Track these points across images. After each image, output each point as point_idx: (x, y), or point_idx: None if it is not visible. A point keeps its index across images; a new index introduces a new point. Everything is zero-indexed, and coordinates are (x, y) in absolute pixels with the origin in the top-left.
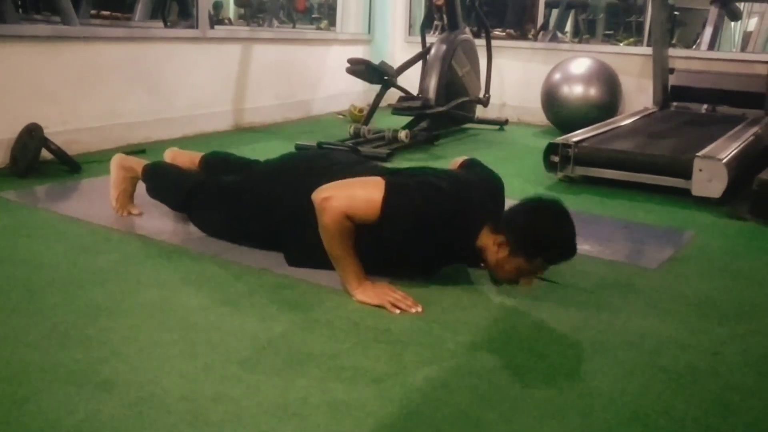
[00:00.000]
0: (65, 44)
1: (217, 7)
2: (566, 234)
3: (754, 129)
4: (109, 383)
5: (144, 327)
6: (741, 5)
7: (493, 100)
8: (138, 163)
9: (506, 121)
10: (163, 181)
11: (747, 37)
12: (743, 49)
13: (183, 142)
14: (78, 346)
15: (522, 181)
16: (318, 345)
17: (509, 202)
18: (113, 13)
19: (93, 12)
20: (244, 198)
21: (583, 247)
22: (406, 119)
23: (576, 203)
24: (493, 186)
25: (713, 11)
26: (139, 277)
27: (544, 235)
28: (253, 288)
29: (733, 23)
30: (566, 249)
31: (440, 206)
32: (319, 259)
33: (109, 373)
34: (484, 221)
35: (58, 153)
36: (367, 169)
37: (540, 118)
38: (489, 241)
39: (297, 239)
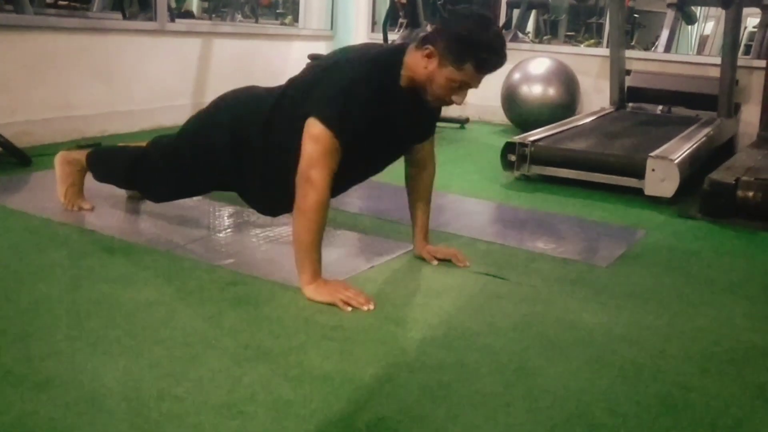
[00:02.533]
0: (16, 33)
1: (180, 0)
2: (493, 35)
3: (707, 130)
4: (47, 382)
5: (88, 324)
6: (697, 9)
7: None
8: (81, 154)
9: (467, 120)
10: (106, 161)
11: (704, 40)
12: (700, 52)
13: (141, 136)
14: (17, 343)
15: (480, 178)
16: (267, 342)
17: (467, 201)
18: (71, 3)
19: (50, 1)
20: (183, 149)
21: (536, 244)
22: None
23: (532, 201)
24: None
25: (670, 14)
26: (85, 273)
27: (470, 36)
28: (204, 284)
29: (690, 27)
30: (494, 51)
31: (356, 76)
32: (282, 203)
33: (48, 372)
34: (401, 49)
35: (7, 145)
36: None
37: (500, 116)
38: (416, 58)
39: (249, 181)
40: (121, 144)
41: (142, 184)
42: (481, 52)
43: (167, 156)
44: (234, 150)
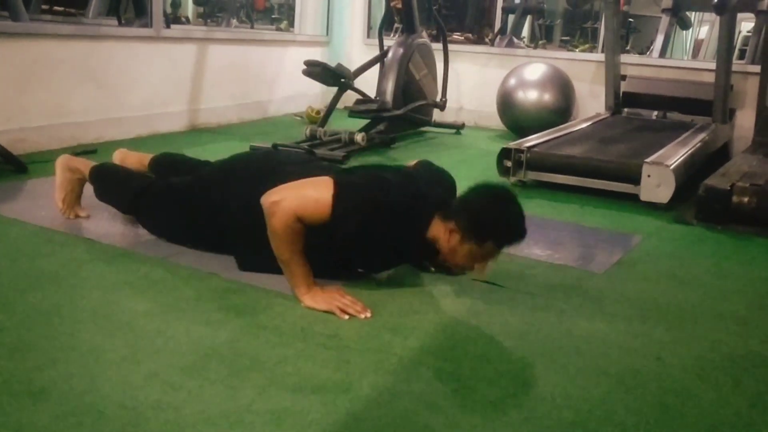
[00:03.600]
0: (12, 40)
1: (175, 5)
2: (514, 216)
3: (702, 135)
4: (44, 392)
5: (85, 333)
6: (691, 14)
7: (450, 104)
8: (85, 165)
9: (463, 125)
10: (110, 183)
11: (698, 45)
12: (694, 57)
13: (136, 143)
14: (13, 353)
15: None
16: (264, 351)
17: None
18: (66, 9)
19: (45, 7)
20: (193, 199)
21: (533, 251)
22: (362, 122)
23: (528, 207)
24: (443, 177)
25: (665, 19)
26: (82, 281)
27: (492, 218)
28: (201, 292)
29: (684, 32)
30: (515, 231)
31: (389, 198)
32: (270, 263)
33: (45, 382)
34: (433, 210)
35: (2, 152)
36: (318, 168)
37: (496, 122)
38: (440, 229)
39: (247, 242)
40: (121, 154)
41: (144, 217)
42: (501, 234)
43: (175, 201)
44: (244, 215)
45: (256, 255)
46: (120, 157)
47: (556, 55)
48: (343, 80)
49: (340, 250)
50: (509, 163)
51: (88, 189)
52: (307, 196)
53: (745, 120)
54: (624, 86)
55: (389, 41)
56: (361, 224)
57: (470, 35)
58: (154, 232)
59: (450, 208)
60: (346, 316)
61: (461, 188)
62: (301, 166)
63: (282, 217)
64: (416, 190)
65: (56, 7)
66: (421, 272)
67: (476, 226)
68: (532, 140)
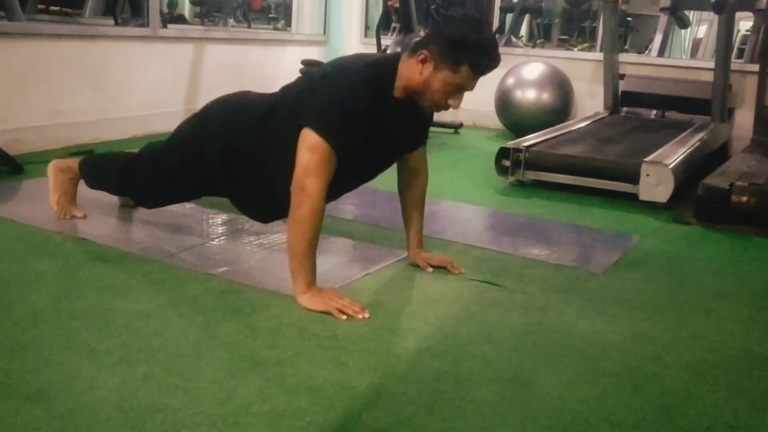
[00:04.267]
0: (8, 40)
1: (172, 5)
2: (486, 37)
3: (701, 135)
4: (40, 394)
5: (81, 334)
6: (690, 13)
7: None
8: (74, 162)
9: (461, 125)
10: (98, 168)
11: (697, 44)
12: (693, 56)
13: (133, 143)
14: (9, 355)
15: (474, 184)
16: (261, 352)
17: (461, 207)
18: (63, 9)
19: (41, 7)
20: (174, 155)
21: (531, 251)
22: None
23: (526, 207)
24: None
25: (663, 18)
26: (78, 282)
27: (465, 39)
28: (198, 293)
29: (683, 31)
30: (488, 52)
31: (351, 85)
32: (273, 210)
33: (41, 384)
34: (396, 58)
35: None
36: (283, 108)
37: (494, 121)
38: (411, 65)
39: (240, 188)
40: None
41: (134, 189)
42: (475, 53)
43: (158, 162)
44: (225, 156)
45: (260, 201)
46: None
47: (554, 54)
48: None
49: (358, 158)
50: (508, 163)
51: (83, 191)
52: (313, 162)
53: (744, 119)
54: (622, 85)
55: (387, 41)
56: (358, 129)
57: None
58: (150, 203)
59: (415, 43)
60: (344, 317)
61: (460, 188)
62: (266, 103)
63: (311, 204)
64: (366, 60)
65: (52, 7)
66: (418, 273)
67: (449, 48)
68: (530, 140)
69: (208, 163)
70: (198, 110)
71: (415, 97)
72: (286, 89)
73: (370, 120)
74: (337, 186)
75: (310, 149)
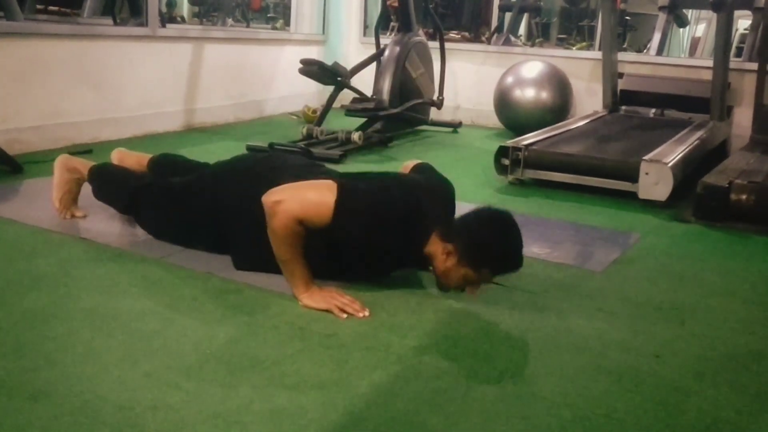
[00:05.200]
0: (7, 40)
1: (171, 5)
2: (513, 247)
3: (700, 133)
4: (41, 393)
5: (82, 333)
6: (688, 12)
7: (447, 102)
8: (83, 165)
9: (460, 124)
10: (109, 183)
11: (695, 42)
12: (691, 54)
13: (132, 143)
14: (10, 354)
15: (474, 183)
16: (262, 351)
17: (462, 206)
18: (61, 9)
19: (40, 7)
20: (191, 200)
21: (531, 249)
22: (359, 120)
23: (526, 206)
24: (444, 191)
25: (662, 17)
26: (79, 282)
27: (491, 247)
28: (198, 293)
29: (681, 29)
30: (513, 261)
31: (390, 208)
32: (267, 263)
33: (42, 383)
34: (433, 226)
35: None
36: (318, 172)
37: (493, 120)
38: (437, 249)
39: (245, 242)
40: (119, 154)
41: (140, 215)
42: (500, 261)
43: (172, 200)
44: (243, 215)
45: (252, 254)
46: (118, 156)
47: (553, 53)
48: (339, 79)
49: (340, 254)
50: (507, 162)
51: (85, 190)
52: (309, 198)
53: (743, 117)
54: (621, 84)
55: (386, 40)
56: (361, 231)
57: (467, 33)
58: (151, 232)
59: (449, 227)
60: (345, 315)
61: (460, 187)
62: (301, 169)
63: (283, 219)
64: (417, 204)
65: (51, 7)
66: (419, 271)
67: (474, 252)
68: (529, 138)
69: (223, 219)
70: (226, 161)
71: (435, 272)
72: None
73: (386, 248)
74: (329, 265)
75: (317, 186)
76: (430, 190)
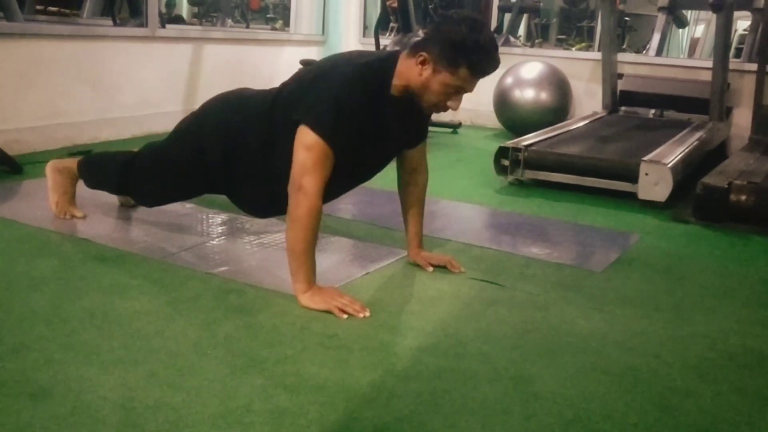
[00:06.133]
0: (6, 40)
1: (170, 5)
2: (485, 37)
3: (699, 134)
4: (43, 393)
5: (83, 333)
6: (687, 13)
7: None
8: (72, 162)
9: (459, 124)
10: (97, 167)
11: (694, 43)
12: (690, 55)
13: (132, 143)
14: (11, 354)
15: (473, 183)
16: (263, 351)
17: (461, 205)
18: (61, 9)
19: (39, 7)
20: (172, 154)
21: (531, 249)
22: None
23: (525, 206)
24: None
25: (661, 18)
26: (79, 282)
27: (463, 40)
28: (199, 292)
29: (681, 30)
30: (487, 53)
31: (348, 82)
32: (274, 205)
33: (43, 383)
34: (394, 56)
35: None
36: (280, 106)
37: (493, 121)
38: (409, 66)
39: (238, 185)
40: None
41: (133, 187)
42: (475, 55)
43: (157, 160)
44: (225, 153)
45: (253, 196)
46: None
47: (552, 53)
48: None
49: (354, 158)
50: (506, 162)
51: (82, 191)
52: (310, 160)
53: (742, 118)
54: (621, 85)
55: (385, 40)
56: (350, 126)
57: None
58: (150, 202)
59: (413, 44)
60: (345, 316)
61: (459, 187)
62: (265, 102)
63: (309, 203)
64: (363, 58)
65: (51, 8)
66: (419, 271)
67: (448, 50)
68: (529, 139)
69: (207, 160)
70: (198, 108)
71: (414, 98)
72: (284, 86)
73: (366, 117)
74: (336, 185)
75: (307, 147)
76: (366, 52)
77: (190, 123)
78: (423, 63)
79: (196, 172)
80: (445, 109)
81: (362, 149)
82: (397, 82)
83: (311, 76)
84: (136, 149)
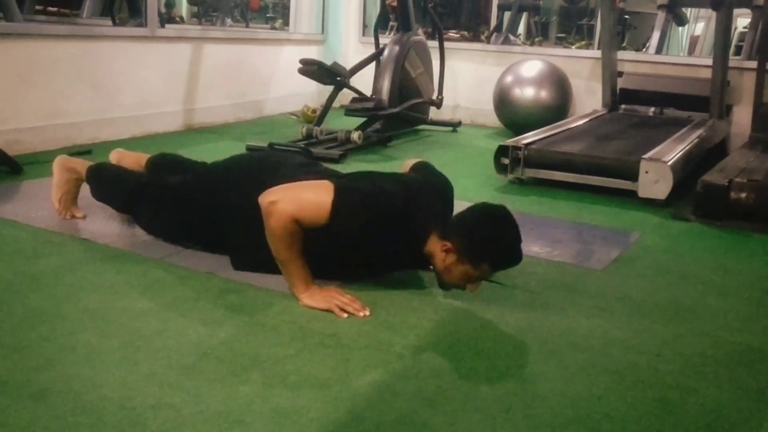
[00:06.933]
0: (6, 41)
1: (170, 5)
2: (511, 240)
3: (699, 132)
4: (43, 393)
5: (83, 333)
6: (687, 10)
7: (447, 101)
8: (82, 165)
9: (459, 123)
10: (107, 182)
11: (694, 41)
12: (690, 53)
13: (132, 143)
14: (11, 354)
15: (473, 182)
16: (263, 350)
17: (461, 204)
18: (60, 9)
19: (39, 7)
20: (189, 199)
21: (531, 248)
22: (359, 120)
23: (525, 205)
24: (441, 189)
25: (661, 16)
26: (80, 282)
27: (490, 241)
28: (198, 292)
29: (680, 28)
30: (512, 255)
31: (388, 208)
32: (266, 263)
33: (44, 383)
34: (431, 225)
35: None
36: (315, 172)
37: (492, 119)
38: (436, 247)
39: (243, 243)
40: (118, 155)
41: (140, 215)
42: (498, 256)
43: (175, 198)
44: (240, 215)
45: (251, 255)
46: (116, 156)
47: (552, 52)
48: (339, 79)
49: (338, 253)
50: (507, 161)
51: (85, 191)
52: (305, 198)
53: (742, 116)
54: (621, 83)
55: (385, 39)
56: (359, 231)
57: (466, 33)
58: (149, 230)
59: (447, 225)
60: (345, 315)
61: (459, 186)
62: (299, 169)
63: (279, 219)
64: (415, 202)
65: (50, 8)
66: (419, 270)
67: (473, 248)
68: (529, 137)
69: (221, 218)
70: (225, 160)
71: (435, 270)
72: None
73: (385, 248)
74: (328, 264)
75: (314, 186)
76: (428, 188)
77: (214, 173)
78: (447, 251)
79: (203, 225)
80: (464, 288)
81: (367, 257)
82: (424, 248)
83: (373, 175)
84: (144, 160)
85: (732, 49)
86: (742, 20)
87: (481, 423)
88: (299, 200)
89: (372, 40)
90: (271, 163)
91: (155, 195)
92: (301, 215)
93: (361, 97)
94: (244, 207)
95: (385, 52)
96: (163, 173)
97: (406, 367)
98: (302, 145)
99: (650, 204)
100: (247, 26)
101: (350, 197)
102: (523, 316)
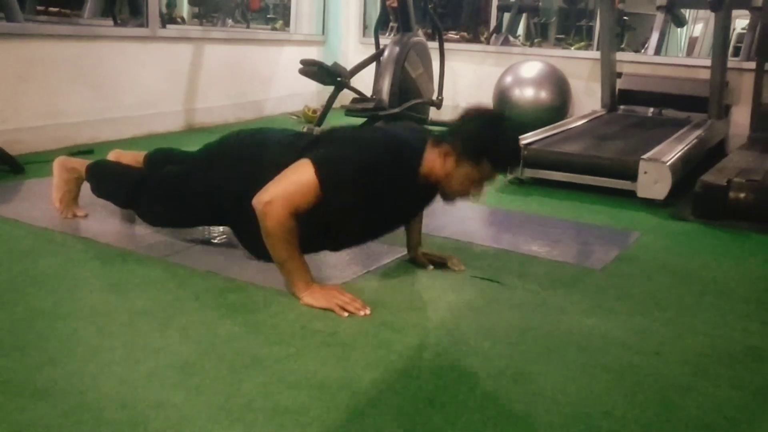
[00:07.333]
0: (7, 41)
1: (170, 5)
2: (509, 135)
3: (698, 132)
4: (44, 391)
5: (84, 332)
6: (686, 12)
7: (447, 102)
8: (81, 164)
9: None
10: (106, 178)
11: (693, 42)
12: (689, 54)
13: (132, 143)
14: (13, 353)
15: None
16: (263, 349)
17: (461, 204)
18: (61, 10)
19: (40, 8)
20: (185, 187)
21: (531, 248)
22: (359, 120)
23: (525, 205)
24: (415, 125)
25: (659, 17)
26: (81, 281)
27: (488, 136)
28: (199, 291)
29: (679, 29)
30: (509, 148)
31: (373, 153)
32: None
33: (45, 381)
34: (422, 145)
35: None
36: (299, 147)
37: None
38: (434, 157)
39: (245, 226)
40: (116, 154)
41: (140, 206)
42: (497, 150)
43: (174, 187)
44: (243, 194)
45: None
46: (115, 156)
47: (551, 53)
48: (339, 79)
49: (341, 221)
50: None
51: (86, 190)
52: (292, 186)
53: (741, 116)
54: (620, 84)
55: (385, 40)
56: (356, 189)
57: (466, 34)
58: (154, 222)
59: (438, 138)
60: (346, 314)
61: None
62: (283, 151)
63: (275, 217)
64: (396, 139)
65: (51, 8)
66: (419, 270)
67: (472, 146)
68: (528, 137)
69: (224, 197)
70: (218, 142)
71: (437, 185)
72: (317, 138)
73: (386, 194)
74: (342, 238)
75: (294, 170)
76: (400, 128)
77: (211, 156)
78: (446, 155)
79: (210, 205)
80: (468, 197)
81: (375, 216)
82: (423, 168)
83: (345, 134)
84: (141, 156)
85: (731, 50)
86: (740, 21)
87: (480, 421)
88: (288, 191)
89: (372, 40)
90: (261, 140)
91: (154, 186)
92: (295, 203)
93: (361, 98)
94: (238, 191)
95: (386, 53)
96: (160, 166)
97: (406, 367)
98: None
99: (649, 204)
100: (247, 27)
101: (331, 163)
102: (522, 315)
